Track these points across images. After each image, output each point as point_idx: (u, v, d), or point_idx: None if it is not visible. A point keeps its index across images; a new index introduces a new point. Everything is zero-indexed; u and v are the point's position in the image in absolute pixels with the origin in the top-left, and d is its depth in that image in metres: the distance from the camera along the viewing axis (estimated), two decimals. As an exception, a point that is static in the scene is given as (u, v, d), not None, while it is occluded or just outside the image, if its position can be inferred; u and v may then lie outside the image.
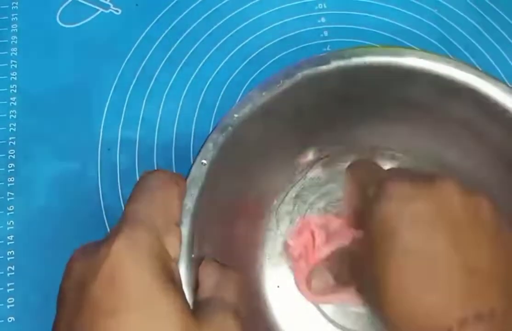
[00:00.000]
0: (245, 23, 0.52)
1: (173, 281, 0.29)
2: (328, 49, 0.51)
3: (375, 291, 0.31)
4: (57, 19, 0.52)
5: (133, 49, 0.51)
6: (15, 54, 0.50)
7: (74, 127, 0.48)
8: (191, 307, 0.30)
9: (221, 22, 0.52)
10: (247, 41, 0.51)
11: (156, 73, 0.50)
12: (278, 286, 0.41)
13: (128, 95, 0.49)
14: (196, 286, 0.32)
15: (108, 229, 0.45)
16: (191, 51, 0.51)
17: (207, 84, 0.50)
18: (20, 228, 0.45)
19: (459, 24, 0.52)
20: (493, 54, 0.51)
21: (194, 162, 0.34)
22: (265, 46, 0.51)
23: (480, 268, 0.29)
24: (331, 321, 0.41)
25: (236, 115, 0.35)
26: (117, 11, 0.52)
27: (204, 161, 0.34)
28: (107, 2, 0.52)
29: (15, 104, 0.48)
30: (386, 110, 0.40)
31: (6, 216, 0.45)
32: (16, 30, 0.51)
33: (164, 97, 0.49)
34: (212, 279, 0.32)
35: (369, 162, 0.38)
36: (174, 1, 0.53)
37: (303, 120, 0.39)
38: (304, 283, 0.41)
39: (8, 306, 0.43)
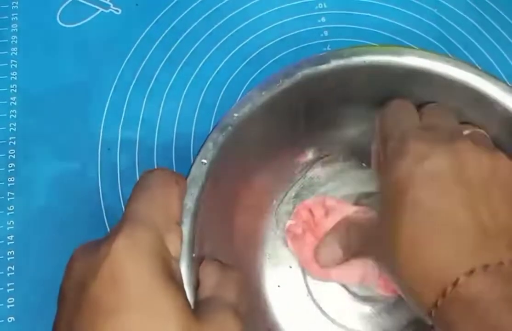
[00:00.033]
0: (245, 23, 0.52)
1: (174, 280, 0.29)
2: (328, 48, 0.51)
3: (388, 253, 0.32)
4: (57, 19, 0.52)
5: (133, 49, 0.51)
6: (15, 53, 0.50)
7: (74, 127, 0.48)
8: (192, 306, 0.30)
9: (221, 22, 0.52)
10: (247, 41, 0.51)
11: (156, 73, 0.50)
12: (278, 286, 0.41)
13: (128, 95, 0.49)
14: (196, 285, 0.32)
15: (108, 229, 0.45)
16: (191, 51, 0.51)
17: (207, 84, 0.50)
18: (20, 228, 0.45)
19: (458, 24, 0.52)
20: (492, 54, 0.51)
21: (194, 161, 0.34)
22: (265, 46, 0.51)
23: (493, 224, 0.30)
24: (332, 320, 0.41)
25: (236, 115, 0.35)
26: (117, 11, 0.52)
27: (204, 161, 0.34)
28: (107, 2, 0.52)
29: (15, 104, 0.48)
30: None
31: (6, 216, 0.45)
32: (16, 29, 0.51)
33: (164, 97, 0.49)
34: (212, 278, 0.32)
35: (402, 106, 0.37)
36: (174, 1, 0.53)
37: (302, 119, 0.39)
38: (311, 258, 0.41)
39: (8, 306, 0.43)
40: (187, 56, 0.51)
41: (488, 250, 0.29)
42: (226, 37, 0.51)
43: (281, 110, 0.37)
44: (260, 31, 0.52)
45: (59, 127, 0.48)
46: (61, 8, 0.52)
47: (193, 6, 0.52)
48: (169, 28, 0.52)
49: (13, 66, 0.50)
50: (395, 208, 0.31)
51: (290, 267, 0.42)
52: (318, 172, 0.44)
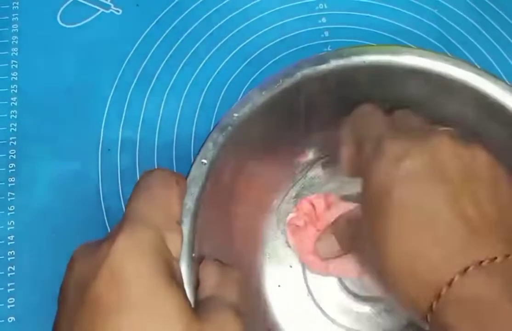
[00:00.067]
0: (246, 23, 0.52)
1: (175, 279, 0.29)
2: (328, 49, 0.51)
3: (375, 256, 0.31)
4: (58, 19, 0.52)
5: (133, 49, 0.51)
6: (16, 54, 0.50)
7: (75, 127, 0.48)
8: (192, 306, 0.30)
9: (222, 22, 0.52)
10: (247, 41, 0.51)
11: (157, 73, 0.50)
12: (278, 286, 0.41)
13: (128, 95, 0.49)
14: (196, 285, 0.32)
15: (109, 229, 0.45)
16: (192, 51, 0.51)
17: (208, 84, 0.50)
18: (21, 228, 0.45)
19: (458, 24, 0.52)
20: (492, 53, 0.51)
21: (194, 161, 0.34)
22: (265, 47, 0.51)
23: (480, 219, 0.29)
24: (332, 320, 0.41)
25: (236, 115, 0.35)
26: (117, 11, 0.52)
27: (204, 161, 0.34)
28: (108, 2, 0.52)
29: (15, 104, 0.49)
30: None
31: (7, 216, 0.45)
32: (17, 30, 0.51)
33: (165, 97, 0.49)
34: (212, 278, 0.32)
35: (372, 111, 0.37)
36: (175, 2, 0.53)
37: (303, 119, 0.39)
38: (311, 250, 0.41)
39: (9, 306, 0.43)
40: (188, 56, 0.51)
41: (479, 246, 0.29)
42: (227, 37, 0.51)
43: (281, 110, 0.37)
44: (261, 32, 0.52)
45: (59, 127, 0.48)
46: (61, 9, 0.52)
47: (193, 6, 0.52)
48: (169, 29, 0.52)
49: (13, 66, 0.50)
50: (379, 211, 0.31)
51: (291, 266, 0.42)
52: (318, 172, 0.44)
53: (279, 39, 0.52)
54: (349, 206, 0.41)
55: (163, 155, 0.47)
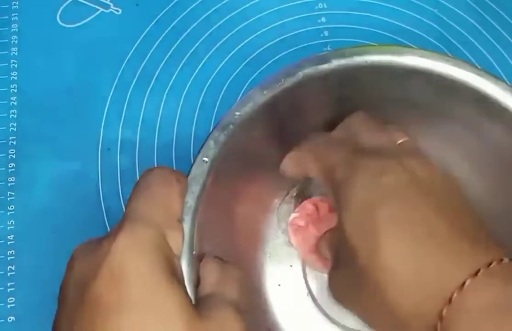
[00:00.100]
0: (245, 23, 0.52)
1: (176, 276, 0.29)
2: (328, 49, 0.51)
3: (365, 277, 0.30)
4: (58, 18, 0.52)
5: (133, 49, 0.51)
6: (16, 53, 0.50)
7: (75, 126, 0.48)
8: (193, 303, 0.30)
9: (221, 22, 0.52)
10: (247, 41, 0.51)
11: (157, 73, 0.50)
12: (279, 285, 0.41)
13: (128, 95, 0.49)
14: (197, 283, 0.32)
15: (109, 229, 0.45)
16: (191, 51, 0.51)
17: (207, 84, 0.50)
18: (21, 228, 0.45)
19: (458, 24, 0.52)
20: (492, 53, 0.51)
21: (195, 159, 0.34)
22: (265, 46, 0.51)
23: (471, 225, 0.30)
24: (332, 320, 0.41)
25: (237, 113, 0.35)
26: (117, 11, 0.52)
27: (206, 159, 0.34)
28: (108, 2, 0.52)
29: (15, 103, 0.48)
30: (386, 109, 0.40)
31: (7, 216, 0.45)
32: (17, 29, 0.51)
33: (165, 97, 0.49)
34: (213, 276, 0.32)
35: (327, 139, 0.37)
36: (174, 1, 0.53)
37: (303, 119, 0.39)
38: (312, 249, 0.40)
39: (9, 306, 0.43)
40: (187, 56, 0.51)
41: (481, 250, 0.28)
42: (226, 37, 0.51)
43: (282, 109, 0.37)
44: (260, 32, 0.52)
45: (59, 127, 0.48)
46: (61, 8, 0.52)
47: (193, 6, 0.52)
48: (169, 28, 0.52)
49: (13, 66, 0.50)
50: (367, 230, 0.30)
51: (291, 266, 0.42)
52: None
53: (278, 39, 0.52)
54: None
55: (162, 155, 0.47)
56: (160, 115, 0.49)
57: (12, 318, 0.42)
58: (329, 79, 0.37)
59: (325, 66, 0.37)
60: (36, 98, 0.49)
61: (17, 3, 0.52)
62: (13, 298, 0.43)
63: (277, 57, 0.51)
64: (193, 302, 0.30)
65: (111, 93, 0.49)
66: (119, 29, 0.52)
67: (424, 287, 0.28)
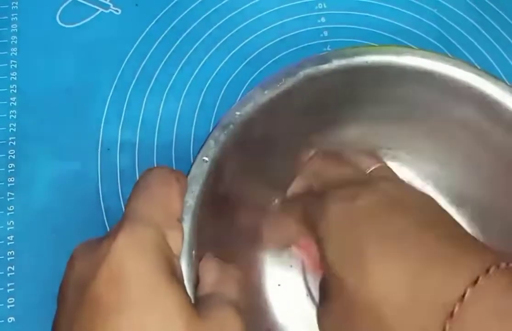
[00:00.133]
0: (245, 23, 0.52)
1: (175, 276, 0.29)
2: (328, 49, 0.51)
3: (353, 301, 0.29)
4: (57, 19, 0.52)
5: (133, 49, 0.51)
6: (15, 54, 0.50)
7: (74, 127, 0.48)
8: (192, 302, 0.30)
9: (221, 22, 0.52)
10: (247, 41, 0.51)
11: (156, 73, 0.50)
12: (279, 285, 0.41)
13: (128, 95, 0.49)
14: (196, 283, 0.32)
15: (108, 229, 0.45)
16: (191, 51, 0.51)
17: (207, 84, 0.50)
18: (20, 228, 0.45)
19: (458, 24, 0.52)
20: (492, 53, 0.51)
21: (195, 159, 0.34)
22: (265, 46, 0.51)
23: (457, 234, 0.29)
24: (332, 319, 0.41)
25: (238, 113, 0.35)
26: (117, 11, 0.52)
27: (206, 158, 0.34)
28: (107, 2, 0.52)
29: (15, 104, 0.48)
30: (386, 110, 0.40)
31: (6, 216, 0.45)
32: (16, 30, 0.51)
33: (164, 97, 0.49)
34: (212, 275, 0.32)
35: (302, 200, 0.38)
36: (174, 1, 0.53)
37: (304, 118, 0.39)
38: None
39: (8, 306, 0.43)
40: (187, 56, 0.51)
41: (475, 257, 0.27)
42: (226, 37, 0.51)
43: (283, 109, 0.37)
44: (260, 32, 0.52)
45: (59, 127, 0.48)
46: (61, 8, 0.52)
47: (192, 6, 0.52)
48: (169, 28, 0.52)
49: (13, 66, 0.50)
50: (352, 258, 0.30)
51: (291, 266, 0.42)
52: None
53: (278, 39, 0.52)
54: None
55: (162, 155, 0.47)
56: (159, 115, 0.49)
57: (12, 318, 0.42)
58: (330, 79, 0.37)
59: (325, 66, 0.37)
60: (36, 99, 0.49)
61: (16, 3, 0.52)
62: (13, 299, 0.43)
63: (277, 57, 0.51)
64: (193, 301, 0.30)
65: (110, 93, 0.49)
66: (118, 29, 0.52)
67: (421, 305, 0.27)
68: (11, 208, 0.45)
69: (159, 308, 0.27)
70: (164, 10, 0.52)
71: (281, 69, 0.37)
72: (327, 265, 0.31)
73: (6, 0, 0.52)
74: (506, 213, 0.39)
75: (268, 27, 0.52)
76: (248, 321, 0.30)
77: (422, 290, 0.27)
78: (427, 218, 0.30)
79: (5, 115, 0.48)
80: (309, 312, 0.41)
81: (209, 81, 0.50)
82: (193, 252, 0.32)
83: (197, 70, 0.50)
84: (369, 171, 0.36)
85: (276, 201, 0.42)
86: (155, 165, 0.47)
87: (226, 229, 0.38)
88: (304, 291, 0.41)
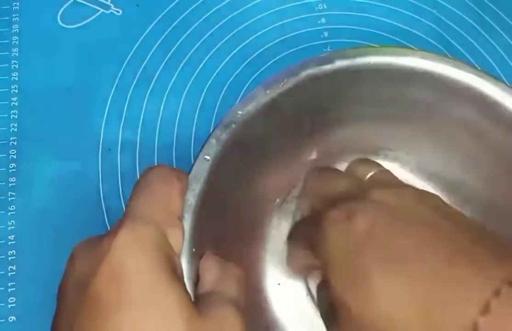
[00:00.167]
0: (246, 24, 0.52)
1: (176, 274, 0.29)
2: (328, 49, 0.51)
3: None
4: (58, 19, 0.52)
5: (133, 49, 0.51)
6: (16, 54, 0.50)
7: (75, 127, 0.48)
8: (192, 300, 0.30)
9: (222, 22, 0.52)
10: (247, 41, 0.51)
11: (157, 73, 0.50)
12: (278, 284, 0.41)
13: (128, 96, 0.49)
14: (196, 281, 0.32)
15: (109, 229, 0.45)
16: (192, 51, 0.51)
17: (208, 84, 0.50)
18: (21, 228, 0.45)
19: (458, 24, 0.52)
20: (492, 54, 0.51)
21: (196, 158, 0.34)
22: (265, 47, 0.51)
23: (465, 236, 0.29)
24: (332, 319, 0.41)
25: (240, 113, 0.35)
26: (117, 11, 0.52)
27: (207, 157, 0.34)
28: (108, 3, 0.52)
29: (16, 104, 0.49)
30: (386, 110, 0.40)
31: (7, 216, 0.45)
32: (17, 30, 0.51)
33: (165, 97, 0.49)
34: (212, 273, 0.32)
35: (304, 224, 0.38)
36: (175, 2, 0.53)
37: (306, 119, 0.39)
38: None
39: (9, 306, 0.43)
40: (188, 56, 0.51)
41: (490, 266, 0.26)
42: (227, 37, 0.52)
43: (285, 109, 0.37)
44: (261, 32, 0.52)
45: (60, 127, 0.48)
46: (62, 9, 0.52)
47: (193, 7, 0.52)
48: (169, 29, 0.52)
49: (14, 66, 0.50)
50: (357, 280, 0.29)
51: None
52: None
53: (279, 40, 0.52)
54: None
55: (163, 155, 0.47)
56: (160, 115, 0.49)
57: (13, 318, 0.43)
58: (332, 80, 0.37)
59: (328, 67, 0.37)
60: (37, 99, 0.49)
61: (17, 3, 0.52)
62: (14, 298, 0.43)
63: (277, 58, 0.51)
64: (193, 299, 0.30)
65: (111, 94, 0.49)
66: (119, 29, 0.52)
67: (438, 323, 0.26)
68: (12, 208, 0.45)
69: (159, 306, 0.27)
70: (165, 11, 0.52)
71: (283, 69, 0.37)
72: (332, 289, 0.31)
73: (7, 0, 0.52)
74: (506, 213, 0.39)
75: (268, 28, 0.52)
76: (248, 319, 0.30)
77: (434, 309, 0.26)
78: (432, 225, 0.29)
79: (6, 115, 0.48)
80: (309, 311, 0.41)
81: (210, 81, 0.50)
82: (194, 250, 0.32)
83: (197, 71, 0.50)
84: (368, 177, 0.36)
85: (277, 200, 0.42)
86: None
87: (227, 227, 0.38)
88: (304, 290, 0.41)
